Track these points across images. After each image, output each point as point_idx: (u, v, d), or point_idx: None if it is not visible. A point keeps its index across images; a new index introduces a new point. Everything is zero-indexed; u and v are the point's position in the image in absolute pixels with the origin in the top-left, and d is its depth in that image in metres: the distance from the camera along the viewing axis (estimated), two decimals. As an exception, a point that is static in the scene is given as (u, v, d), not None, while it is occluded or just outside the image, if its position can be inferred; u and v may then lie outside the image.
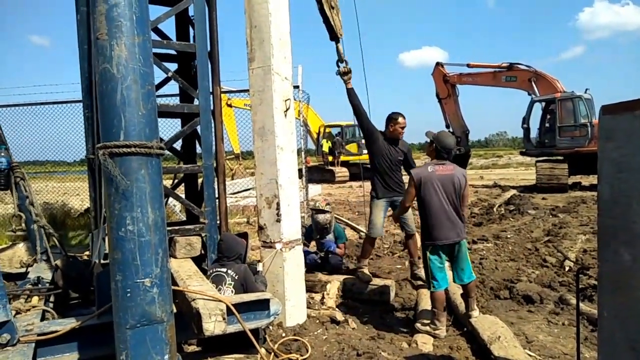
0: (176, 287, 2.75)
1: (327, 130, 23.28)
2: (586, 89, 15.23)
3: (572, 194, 13.43)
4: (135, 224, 1.81)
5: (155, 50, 4.08)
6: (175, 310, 2.90)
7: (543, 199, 12.55)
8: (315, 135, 23.11)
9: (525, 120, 16.39)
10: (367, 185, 5.39)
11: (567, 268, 5.33)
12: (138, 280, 1.77)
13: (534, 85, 16.27)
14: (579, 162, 13.54)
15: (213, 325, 2.41)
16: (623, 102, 1.99)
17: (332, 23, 4.58)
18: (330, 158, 22.31)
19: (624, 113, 1.94)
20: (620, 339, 2.00)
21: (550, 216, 9.43)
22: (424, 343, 3.39)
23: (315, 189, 16.18)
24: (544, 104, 15.94)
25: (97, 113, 1.97)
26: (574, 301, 4.05)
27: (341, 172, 21.21)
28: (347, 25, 5.50)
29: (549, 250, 6.26)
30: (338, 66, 4.95)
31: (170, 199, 4.74)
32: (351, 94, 4.94)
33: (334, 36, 4.73)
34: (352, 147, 23.48)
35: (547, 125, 15.85)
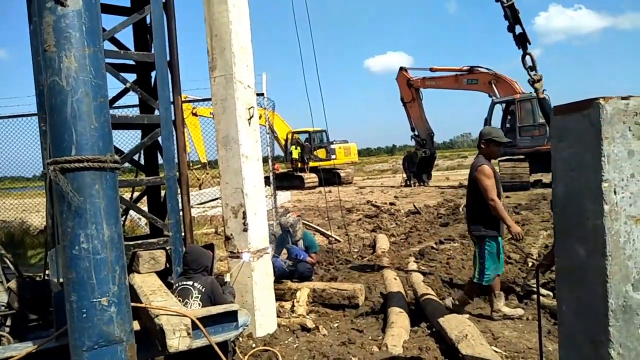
0: (138, 304, 2.67)
1: (295, 136, 23.30)
2: (543, 90, 15.78)
3: (534, 191, 13.87)
4: (90, 242, 1.74)
5: (112, 60, 4.00)
6: (139, 328, 2.83)
7: (507, 197, 12.88)
8: (283, 142, 23.10)
9: (487, 121, 16.85)
10: (335, 190, 5.39)
11: (530, 264, 5.48)
12: (94, 300, 1.71)
13: (494, 88, 16.79)
14: (540, 160, 14.01)
15: (177, 341, 2.35)
16: (573, 103, 2.06)
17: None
18: (299, 164, 22.33)
19: (574, 113, 2.01)
20: (579, 332, 2.06)
21: (514, 214, 9.69)
22: (394, 346, 3.41)
23: (285, 196, 16.13)
24: (504, 105, 16.46)
25: (45, 126, 1.90)
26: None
27: (310, 178, 21.25)
28: (303, 31, 5.52)
29: (513, 247, 6.43)
30: (529, 74, 4.64)
31: (134, 212, 4.63)
32: (543, 104, 4.73)
33: (526, 41, 4.30)
34: (320, 153, 23.58)
35: (508, 125, 16.34)
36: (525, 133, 15.46)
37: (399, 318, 3.95)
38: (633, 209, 1.85)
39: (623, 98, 1.88)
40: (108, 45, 4.15)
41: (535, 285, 3.47)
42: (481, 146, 4.23)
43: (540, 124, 14.77)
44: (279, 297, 4.59)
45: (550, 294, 4.36)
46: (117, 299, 1.78)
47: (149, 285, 3.25)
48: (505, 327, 3.86)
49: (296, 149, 22.85)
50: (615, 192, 1.84)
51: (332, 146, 24.34)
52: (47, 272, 4.03)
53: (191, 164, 16.09)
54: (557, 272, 2.22)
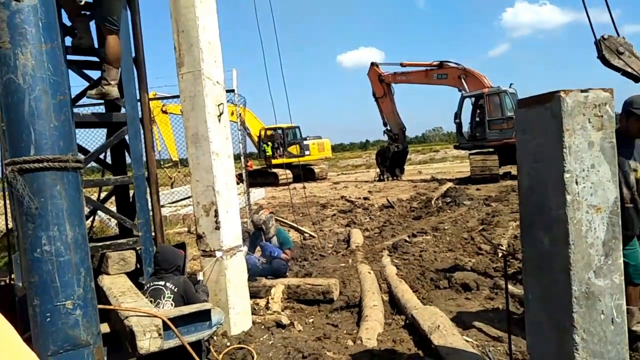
0: (106, 306, 2.62)
1: (269, 133, 23.18)
2: (510, 84, 16.17)
3: (503, 183, 14.18)
4: (52, 244, 1.69)
5: (75, 57, 3.88)
6: (108, 330, 2.78)
7: (477, 189, 13.14)
8: (256, 139, 22.95)
9: (457, 115, 17.15)
10: (309, 186, 5.39)
11: (500, 255, 5.60)
12: (58, 303, 1.66)
13: (463, 82, 17.08)
14: (508, 152, 14.32)
15: (148, 342, 2.31)
16: (535, 96, 2.11)
17: (630, 68, 3.54)
18: (278, 160, 22.19)
19: (537, 106, 2.06)
20: (544, 318, 2.12)
21: (484, 206, 9.90)
22: (368, 339, 3.44)
23: (259, 193, 16.03)
24: (473, 99, 16.76)
25: (4, 126, 1.83)
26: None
27: (284, 174, 21.18)
28: (266, 26, 5.50)
29: (483, 239, 6.56)
30: None
31: (103, 213, 4.52)
32: None
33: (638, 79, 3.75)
34: (293, 149, 23.52)
35: (477, 119, 16.67)
36: (494, 126, 15.79)
37: (373, 312, 3.99)
38: (594, 198, 1.91)
39: (583, 91, 1.93)
40: (70, 42, 4.02)
41: None
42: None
43: (509, 117, 15.11)
44: (254, 295, 4.56)
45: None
46: (82, 302, 1.73)
47: (118, 287, 3.18)
48: (476, 316, 3.94)
49: (268, 145, 22.73)
50: (576, 183, 1.90)
51: (306, 142, 24.32)
52: (12, 276, 3.90)
53: (162, 163, 15.83)
54: (523, 261, 2.27)
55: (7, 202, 3.41)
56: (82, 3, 3.47)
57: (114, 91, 3.66)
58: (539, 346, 2.18)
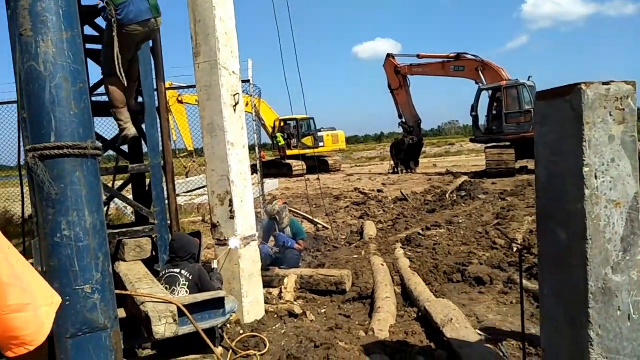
0: (123, 292, 2.66)
1: (282, 124, 23.21)
2: (529, 77, 15.92)
3: (520, 177, 14.01)
4: (71, 229, 1.73)
5: (93, 47, 3.92)
6: (125, 316, 2.83)
7: (493, 183, 13.02)
8: (270, 130, 22.99)
9: (474, 108, 16.94)
10: (323, 177, 5.39)
11: (515, 249, 5.56)
12: (77, 287, 1.69)
13: (480, 74, 16.86)
14: (525, 146, 14.14)
15: (164, 327, 2.35)
16: (555, 88, 2.07)
17: None
18: (292, 152, 22.22)
19: (556, 99, 2.03)
20: (560, 314, 2.10)
21: (500, 200, 9.80)
22: (381, 330, 3.45)
23: (273, 184, 16.11)
24: (490, 92, 16.54)
25: (25, 113, 1.86)
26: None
27: (298, 165, 21.20)
28: (282, 17, 5.49)
29: (498, 233, 6.51)
30: None
31: (120, 201, 4.59)
32: None
33: None
34: (307, 141, 23.53)
35: (494, 112, 16.46)
36: (511, 120, 15.58)
37: (386, 303, 3.99)
38: (613, 193, 1.88)
39: (604, 83, 1.89)
40: (89, 31, 4.07)
41: None
42: None
43: (526, 110, 14.90)
44: (267, 284, 4.60)
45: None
46: (100, 286, 1.77)
47: (134, 273, 3.23)
48: (489, 310, 3.92)
49: (282, 136, 22.77)
50: (596, 177, 1.87)
51: (320, 134, 24.31)
52: (30, 261, 3.98)
53: (178, 152, 15.96)
54: (539, 256, 2.25)
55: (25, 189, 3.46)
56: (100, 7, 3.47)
57: (131, 131, 3.69)
58: (553, 341, 2.16)
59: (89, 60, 3.78)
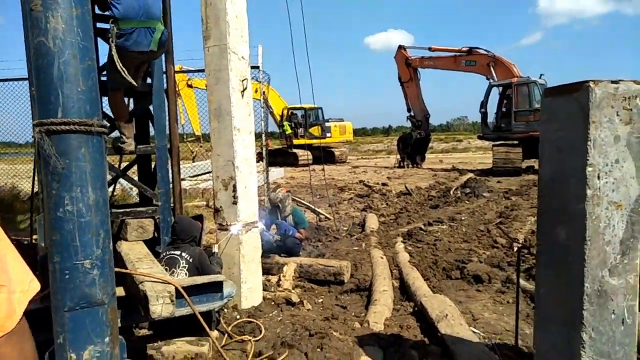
0: (123, 270, 2.70)
1: (290, 113, 23.17)
2: (541, 75, 15.77)
3: (526, 177, 13.95)
4: (74, 204, 1.74)
5: (104, 25, 3.92)
6: (124, 294, 2.86)
7: (498, 182, 12.98)
8: (278, 118, 22.97)
9: (483, 104, 16.82)
10: (328, 168, 5.39)
11: (515, 249, 5.55)
12: (77, 262, 1.71)
13: (492, 70, 16.71)
14: (533, 146, 14.02)
15: (160, 307, 2.38)
16: (563, 85, 2.05)
17: None
18: (299, 141, 22.20)
19: (564, 95, 2.01)
20: (554, 314, 2.10)
21: (504, 199, 9.78)
22: (376, 323, 3.47)
23: (278, 172, 16.14)
24: (501, 88, 16.39)
25: (34, 89, 1.87)
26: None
27: (304, 155, 21.21)
28: (293, 5, 5.46)
29: (499, 232, 6.50)
30: None
31: (126, 182, 4.62)
32: None
33: None
34: (315, 130, 23.50)
35: (503, 109, 16.34)
36: (521, 118, 15.47)
37: (383, 296, 4.01)
38: (615, 194, 1.87)
39: (613, 82, 1.87)
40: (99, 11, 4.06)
41: None
42: None
43: (536, 109, 14.77)
44: (266, 271, 4.63)
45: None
46: (100, 262, 1.79)
47: (135, 253, 3.27)
48: (485, 309, 3.93)
49: (288, 124, 22.75)
50: (599, 177, 1.86)
51: (328, 124, 24.26)
52: (34, 236, 4.03)
53: (185, 136, 15.98)
54: (538, 255, 2.25)
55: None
56: None
57: (130, 147, 3.85)
58: (546, 342, 2.17)
59: (98, 39, 3.79)
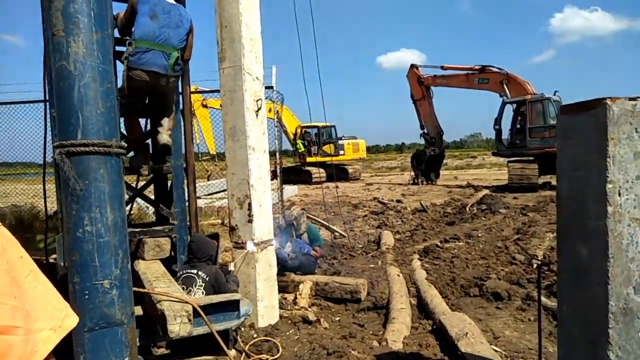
0: (140, 289, 2.71)
1: (303, 131, 23.31)
2: (555, 91, 15.68)
3: (542, 193, 13.75)
4: (93, 225, 1.77)
5: (122, 48, 4.02)
6: (141, 313, 2.87)
7: (514, 198, 12.81)
8: (292, 136, 23.11)
9: (497, 121, 16.73)
10: (342, 186, 5.38)
11: (534, 265, 5.45)
12: (96, 282, 1.73)
13: (505, 88, 16.66)
14: (549, 162, 13.85)
15: (178, 327, 2.38)
16: (580, 102, 2.04)
17: None
18: (312, 159, 22.29)
19: (581, 113, 2.00)
20: (578, 332, 2.05)
21: (521, 215, 9.64)
22: (394, 341, 3.41)
23: (292, 190, 16.17)
24: (514, 105, 16.33)
25: (55, 111, 1.92)
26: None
27: (318, 172, 21.25)
28: (306, 24, 5.54)
29: (518, 248, 6.39)
30: None
31: (142, 201, 4.68)
32: None
33: None
34: (328, 148, 23.56)
35: (518, 126, 16.23)
36: (535, 134, 15.34)
37: (400, 314, 3.95)
38: (637, 211, 1.84)
39: (631, 99, 1.86)
40: (116, 33, 4.17)
41: None
42: None
43: (551, 125, 14.64)
44: (282, 289, 4.61)
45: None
46: (119, 282, 1.80)
47: (152, 272, 3.28)
48: (506, 327, 3.85)
49: (300, 142, 22.85)
50: (619, 194, 1.83)
51: (341, 142, 24.32)
52: (54, 256, 4.07)
53: (200, 155, 16.18)
54: (559, 272, 2.21)
55: (47, 185, 3.57)
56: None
57: (165, 138, 3.84)
58: (571, 360, 2.11)
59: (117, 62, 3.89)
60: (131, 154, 4.05)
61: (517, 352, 3.30)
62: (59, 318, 1.06)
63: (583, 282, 2.00)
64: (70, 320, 1.10)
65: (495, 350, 3.21)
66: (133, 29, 3.54)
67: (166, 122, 3.87)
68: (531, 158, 14.98)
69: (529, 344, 3.45)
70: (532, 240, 7.02)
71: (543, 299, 3.97)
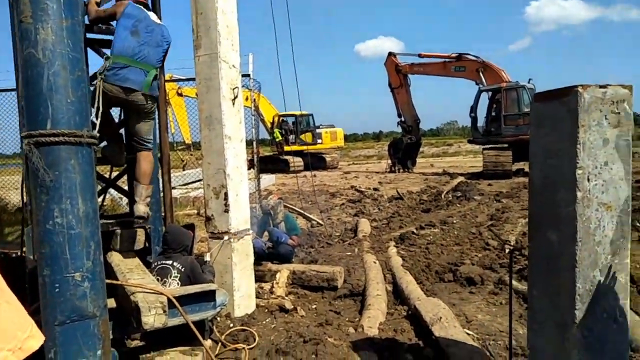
0: (113, 281, 2.67)
1: (281, 120, 23.18)
2: (529, 79, 15.97)
3: (516, 180, 14.06)
4: (64, 216, 1.73)
5: (93, 36, 3.91)
6: (115, 306, 2.83)
7: (489, 185, 13.07)
8: (269, 125, 22.97)
9: (473, 109, 16.98)
10: (320, 174, 5.39)
11: (507, 250, 5.58)
12: (67, 275, 1.70)
13: (481, 75, 16.89)
14: (522, 149, 14.17)
15: (153, 318, 2.36)
16: (552, 90, 2.08)
17: None
18: (290, 148, 22.20)
19: (553, 100, 2.04)
20: (547, 316, 2.12)
21: (495, 201, 9.85)
22: (370, 327, 3.47)
23: (269, 179, 16.11)
24: (490, 93, 16.58)
25: (22, 100, 1.86)
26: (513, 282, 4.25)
27: (295, 161, 21.21)
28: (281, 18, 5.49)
29: (491, 234, 6.54)
30: None
31: (115, 191, 4.59)
32: None
33: None
34: (306, 137, 23.51)
35: (493, 114, 16.51)
36: (510, 122, 15.63)
37: (376, 301, 4.01)
38: (605, 196, 1.90)
39: (601, 87, 1.90)
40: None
41: None
42: None
43: (525, 113, 14.94)
44: (259, 279, 4.61)
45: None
46: (91, 275, 1.77)
47: (126, 264, 3.24)
48: (479, 310, 3.95)
49: (280, 132, 22.73)
50: (588, 180, 1.88)
51: (319, 130, 24.29)
52: (24, 249, 3.97)
53: (175, 145, 15.94)
54: (530, 258, 2.27)
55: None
56: None
57: (139, 210, 3.56)
58: (540, 342, 2.18)
59: (88, 50, 3.77)
60: (104, 143, 3.95)
61: (489, 335, 3.40)
62: (20, 339, 1.00)
63: (553, 267, 2.06)
64: (33, 341, 1.04)
65: (468, 334, 3.29)
66: (112, 42, 3.41)
67: (143, 190, 3.62)
68: (505, 145, 15.28)
69: (500, 326, 3.55)
70: (505, 226, 7.19)
71: (514, 283, 4.08)
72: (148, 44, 3.50)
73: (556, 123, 2.01)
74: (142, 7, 3.61)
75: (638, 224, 6.62)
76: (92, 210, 1.84)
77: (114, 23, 3.63)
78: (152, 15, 3.66)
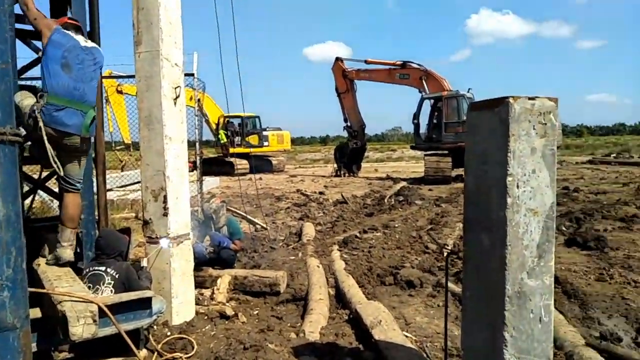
0: (38, 290, 2.50)
1: (226, 121, 22.81)
2: (469, 89, 16.71)
3: (455, 185, 14.64)
4: (-20, 220, 1.60)
5: (23, 26, 3.66)
6: (40, 315, 2.65)
7: (429, 190, 13.50)
8: (214, 126, 22.53)
9: (416, 116, 17.53)
10: (266, 177, 5.34)
11: (445, 254, 5.78)
12: (-17, 284, 1.57)
13: (424, 83, 17.48)
14: (462, 155, 14.51)
15: (81, 328, 2.23)
16: (485, 100, 2.17)
17: None
18: (236, 150, 21.87)
19: (486, 110, 2.13)
20: (480, 316, 2.20)
21: (435, 206, 10.19)
22: (311, 332, 3.46)
23: (213, 182, 15.79)
24: (432, 101, 17.19)
25: None
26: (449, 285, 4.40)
27: (241, 164, 20.92)
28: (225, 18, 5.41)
29: (430, 238, 6.75)
30: None
31: (44, 193, 4.31)
32: None
33: None
34: (252, 139, 23.29)
35: (434, 121, 17.13)
36: (450, 129, 16.26)
37: (318, 305, 4.01)
38: (532, 202, 2.00)
39: (530, 98, 2.01)
40: (19, 10, 3.80)
41: None
42: None
43: (464, 121, 15.58)
44: (199, 284, 4.49)
45: None
46: (11, 283, 1.65)
47: (54, 271, 3.05)
48: (417, 313, 4.05)
49: (225, 134, 22.37)
50: (517, 186, 1.98)
51: (265, 133, 24.13)
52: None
53: (114, 145, 15.26)
54: (464, 261, 2.35)
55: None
56: None
57: (65, 254, 3.30)
58: (472, 342, 2.27)
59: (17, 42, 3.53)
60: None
61: (426, 337, 3.49)
62: None
63: (484, 269, 2.15)
64: None
65: (407, 336, 3.37)
66: (43, 75, 3.13)
67: (69, 234, 3.37)
68: (446, 152, 15.88)
69: (437, 328, 3.66)
70: (443, 230, 7.45)
71: (451, 285, 4.23)
72: (82, 80, 3.26)
73: (489, 132, 2.11)
74: (71, 31, 3.33)
75: (563, 228, 7.07)
76: (15, 213, 1.71)
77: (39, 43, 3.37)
78: (81, 40, 3.37)
